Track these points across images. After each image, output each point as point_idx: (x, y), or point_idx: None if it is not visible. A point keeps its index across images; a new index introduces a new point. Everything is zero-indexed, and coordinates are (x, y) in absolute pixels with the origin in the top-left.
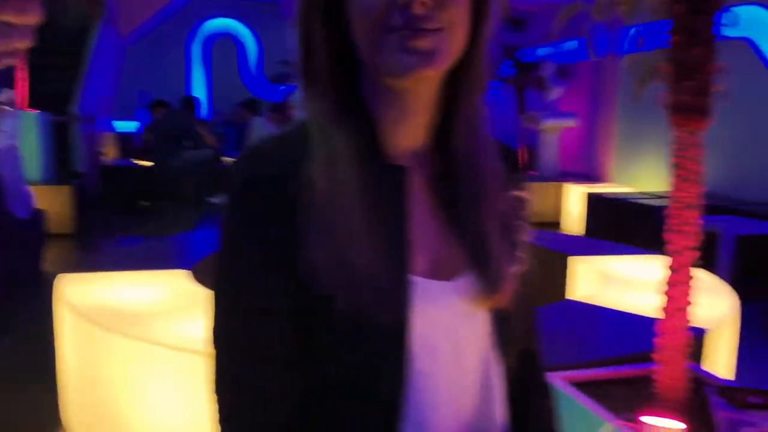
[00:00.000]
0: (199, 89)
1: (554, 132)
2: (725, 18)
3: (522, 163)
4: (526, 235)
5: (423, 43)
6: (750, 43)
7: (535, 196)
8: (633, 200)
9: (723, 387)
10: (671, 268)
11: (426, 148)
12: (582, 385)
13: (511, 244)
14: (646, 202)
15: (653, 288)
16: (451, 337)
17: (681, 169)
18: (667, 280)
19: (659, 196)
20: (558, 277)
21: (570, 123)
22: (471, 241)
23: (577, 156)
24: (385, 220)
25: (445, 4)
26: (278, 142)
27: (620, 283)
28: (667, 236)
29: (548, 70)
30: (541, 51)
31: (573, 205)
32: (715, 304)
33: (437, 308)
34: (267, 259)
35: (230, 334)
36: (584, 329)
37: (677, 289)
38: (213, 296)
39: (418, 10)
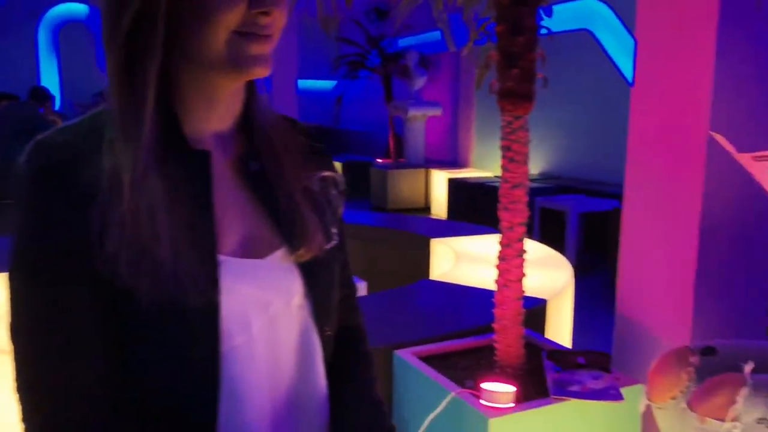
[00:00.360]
0: (50, 79)
1: (420, 120)
2: (545, 10)
3: (389, 150)
4: (339, 212)
5: (266, 48)
6: (591, 35)
7: (404, 183)
8: (489, 184)
9: (553, 351)
10: (503, 243)
11: (230, 130)
12: (430, 359)
13: (323, 220)
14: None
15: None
16: (265, 312)
17: (509, 151)
18: (500, 254)
19: None
20: (422, 258)
21: (434, 111)
22: (281, 218)
23: (443, 143)
24: (189, 205)
25: (282, 14)
26: (74, 130)
27: (474, 260)
28: (499, 214)
29: (411, 59)
30: (406, 41)
31: (439, 191)
32: (554, 276)
33: (249, 286)
34: (59, 252)
35: (27, 329)
36: (439, 305)
37: (510, 263)
38: (8, 290)
39: (269, 20)
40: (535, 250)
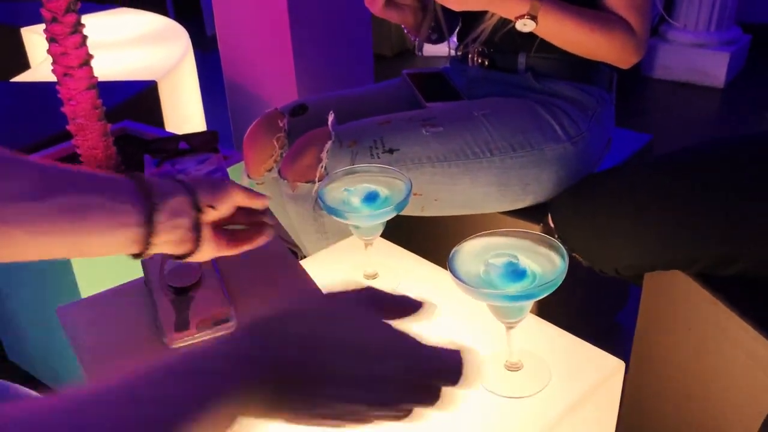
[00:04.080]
0: None
1: None
2: None
3: None
4: None
5: None
6: None
7: None
8: None
9: (152, 140)
10: (48, 19)
11: None
12: None
13: None
14: None
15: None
16: None
17: None
18: (48, 35)
19: None
20: (14, 54)
21: None
22: None
23: None
24: None
25: None
26: None
27: None
28: None
29: None
30: None
31: None
32: (168, 52)
33: None
34: None
35: None
36: (11, 112)
37: (64, 44)
38: None
39: None
40: (144, 23)
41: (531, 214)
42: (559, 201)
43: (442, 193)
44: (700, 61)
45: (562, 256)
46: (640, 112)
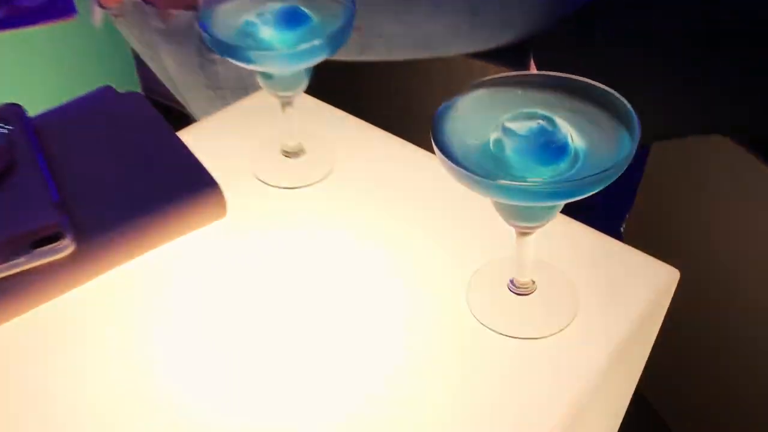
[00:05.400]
0: None
1: None
2: None
3: None
4: None
5: None
6: None
7: None
8: None
9: None
10: None
11: None
12: None
13: None
14: None
15: None
16: None
17: None
18: None
19: None
20: None
21: None
22: None
23: None
24: None
25: None
26: None
27: None
28: None
29: None
30: None
31: None
32: None
33: None
34: None
35: None
36: None
37: None
38: None
39: None
40: None
41: (511, 58)
42: (548, 39)
43: (390, 26)
44: None
45: (630, 120)
46: None
